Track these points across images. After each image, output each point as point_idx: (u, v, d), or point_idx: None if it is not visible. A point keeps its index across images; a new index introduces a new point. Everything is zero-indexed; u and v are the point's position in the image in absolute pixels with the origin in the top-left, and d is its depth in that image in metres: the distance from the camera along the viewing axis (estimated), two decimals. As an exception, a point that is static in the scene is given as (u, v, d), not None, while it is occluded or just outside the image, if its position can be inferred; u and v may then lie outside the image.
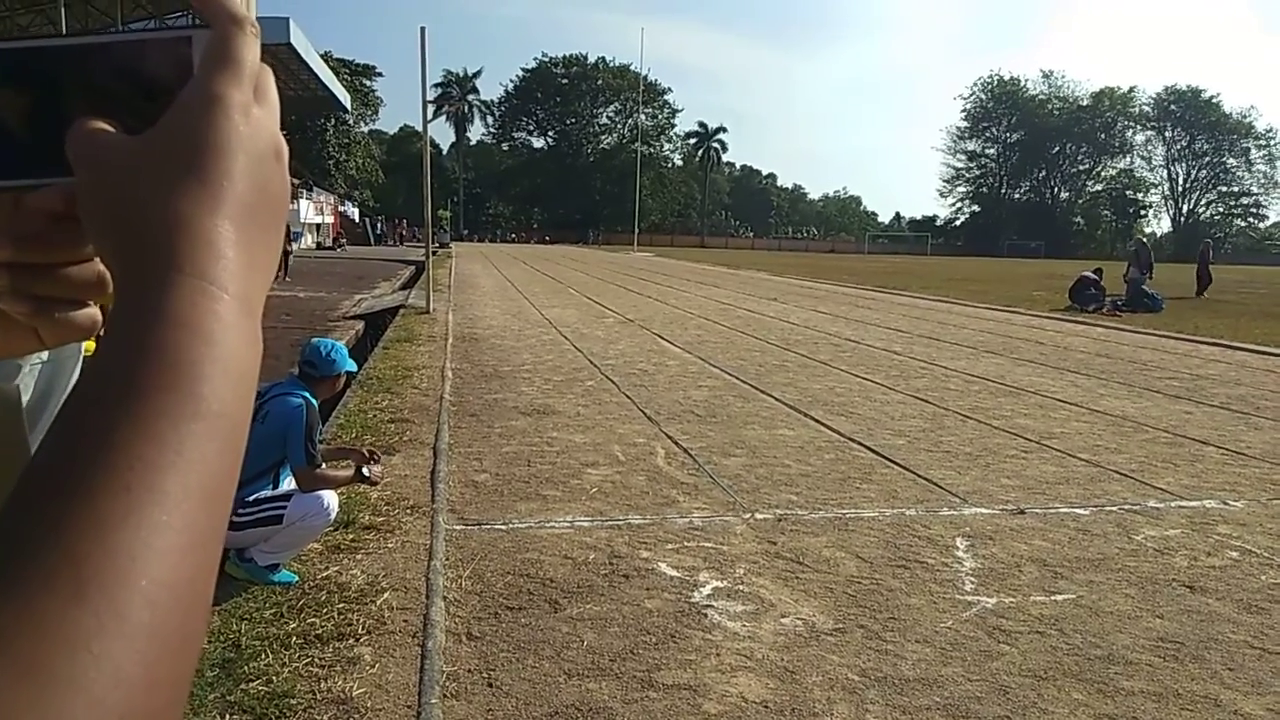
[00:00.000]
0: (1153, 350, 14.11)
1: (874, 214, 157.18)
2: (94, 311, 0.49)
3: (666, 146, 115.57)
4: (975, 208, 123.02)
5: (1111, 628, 3.89)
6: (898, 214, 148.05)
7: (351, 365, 4.53)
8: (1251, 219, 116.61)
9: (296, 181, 47.26)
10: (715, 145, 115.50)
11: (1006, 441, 7.28)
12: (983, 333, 15.93)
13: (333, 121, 65.25)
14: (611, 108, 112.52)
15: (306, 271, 27.22)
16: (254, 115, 0.43)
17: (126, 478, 0.33)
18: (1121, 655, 3.64)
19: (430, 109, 18.21)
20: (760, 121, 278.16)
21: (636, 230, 71.74)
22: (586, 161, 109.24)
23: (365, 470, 4.42)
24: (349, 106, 53.69)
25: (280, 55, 34.08)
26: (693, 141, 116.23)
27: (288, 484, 4.19)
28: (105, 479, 0.33)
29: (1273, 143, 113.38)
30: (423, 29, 15.37)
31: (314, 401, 4.18)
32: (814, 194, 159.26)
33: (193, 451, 0.35)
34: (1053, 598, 4.19)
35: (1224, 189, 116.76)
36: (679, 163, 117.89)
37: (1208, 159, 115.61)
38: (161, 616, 0.32)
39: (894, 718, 3.13)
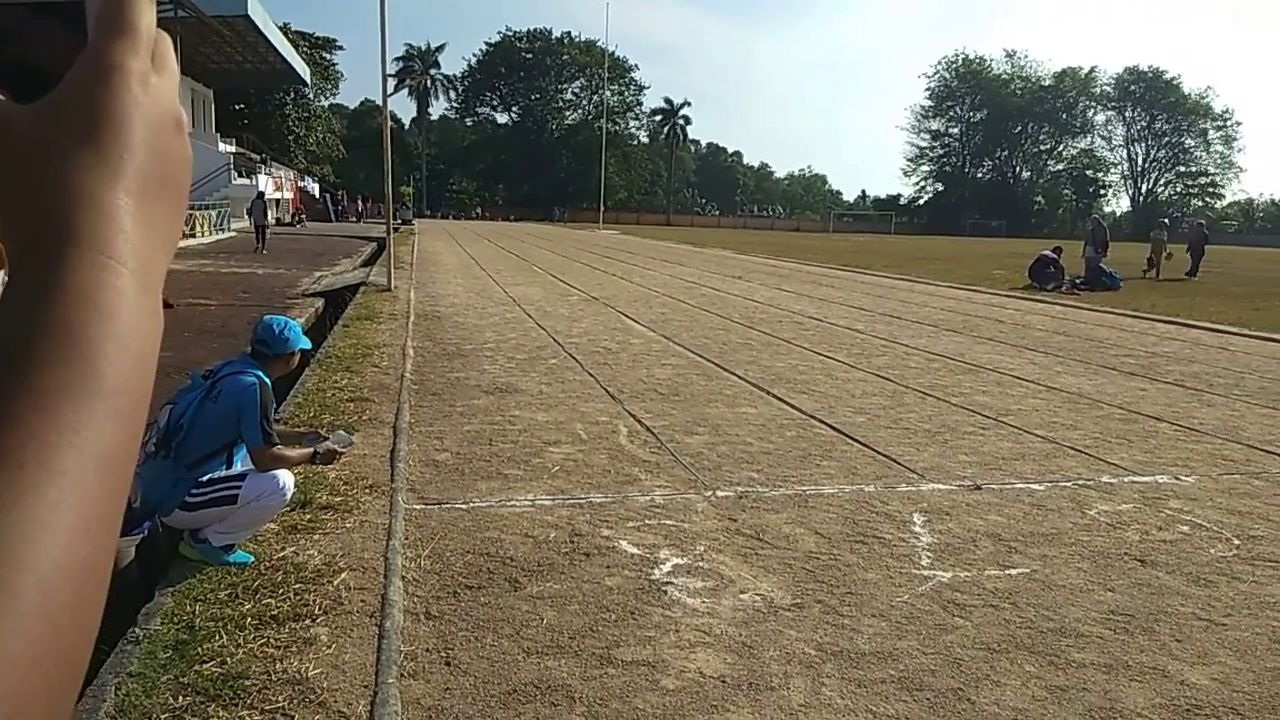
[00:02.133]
0: (1109, 328, 14.33)
1: (839, 193, 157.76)
2: None
3: (633, 124, 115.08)
4: (939, 186, 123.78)
5: (1064, 601, 3.96)
6: (863, 192, 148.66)
7: (305, 343, 4.47)
8: (1208, 199, 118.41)
9: (256, 157, 46.51)
10: (680, 122, 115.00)
11: (965, 418, 7.37)
12: (944, 311, 16.09)
13: (292, 95, 64.16)
14: (576, 84, 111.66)
15: (266, 248, 26.81)
16: (153, 84, 0.43)
17: (20, 456, 0.33)
18: (1073, 628, 3.71)
19: (391, 82, 17.99)
20: (727, 100, 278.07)
21: (602, 208, 71.42)
22: (551, 138, 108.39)
23: (322, 447, 4.37)
24: (308, 80, 52.76)
25: (238, 27, 33.38)
26: (658, 118, 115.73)
27: (242, 464, 4.14)
28: None
29: (1229, 124, 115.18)
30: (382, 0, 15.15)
31: (268, 380, 4.12)
32: (780, 172, 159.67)
33: (90, 429, 0.35)
34: (1007, 572, 4.26)
35: (1182, 169, 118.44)
36: (645, 140, 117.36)
37: (1167, 139, 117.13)
38: (55, 597, 0.32)
39: (849, 691, 3.17)
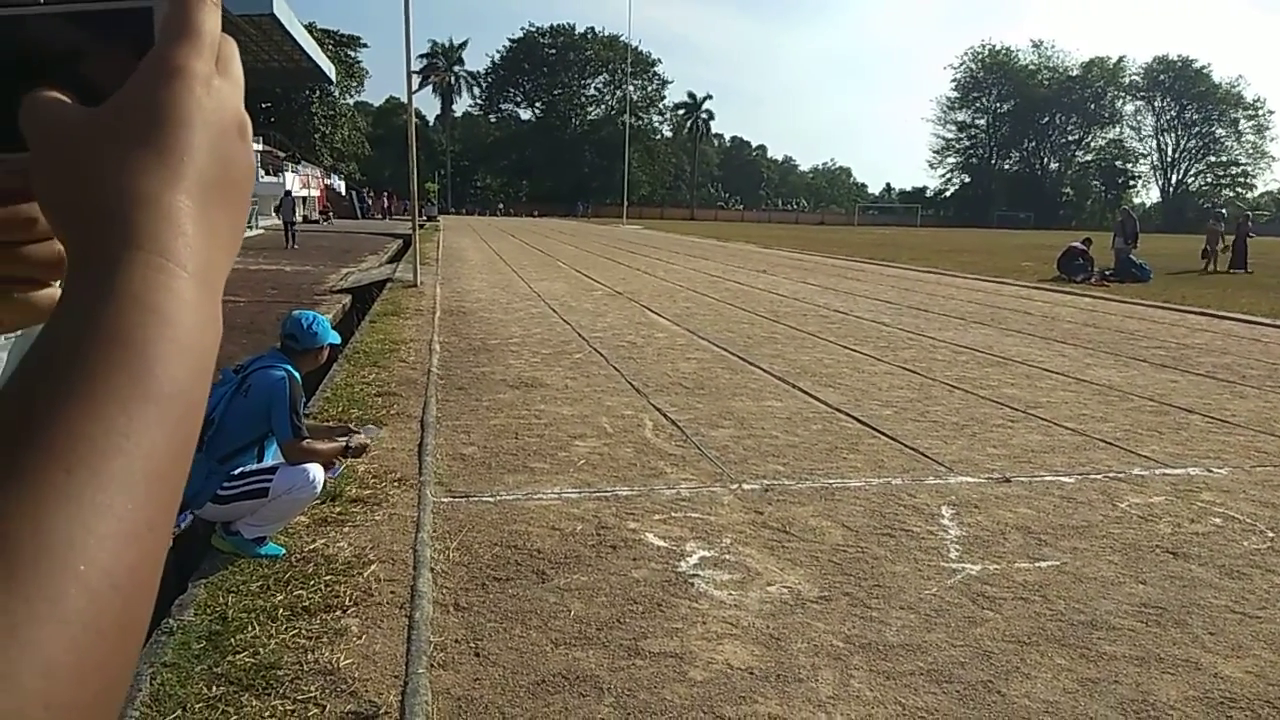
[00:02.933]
0: (1140, 320, 14.16)
1: (864, 185, 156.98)
2: (56, 292, 0.48)
3: (656, 118, 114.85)
4: (965, 178, 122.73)
5: (1095, 594, 3.93)
6: (888, 185, 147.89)
7: (334, 337, 4.50)
8: (1240, 189, 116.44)
9: (282, 154, 46.85)
10: (704, 116, 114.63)
11: (993, 411, 7.31)
12: (971, 303, 15.96)
13: (318, 94, 64.65)
14: (600, 79, 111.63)
15: (296, 243, 27.07)
16: (216, 87, 0.42)
17: (68, 459, 0.32)
18: (1104, 620, 3.67)
19: (416, 79, 18.07)
20: (751, 93, 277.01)
21: (626, 203, 71.43)
22: (575, 133, 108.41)
23: (354, 440, 4.41)
24: (334, 78, 53.11)
25: (264, 26, 33.60)
26: (681, 113, 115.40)
27: (273, 457, 4.18)
28: (45, 459, 0.32)
29: (1261, 112, 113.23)
30: (407, -2, 15.22)
31: (297, 375, 4.16)
32: (804, 166, 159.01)
33: (141, 434, 0.34)
34: (1037, 564, 4.23)
35: (1213, 159, 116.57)
36: (668, 135, 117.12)
37: (1197, 129, 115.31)
38: (99, 604, 0.31)
39: (878, 683, 3.16)
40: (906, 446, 6.17)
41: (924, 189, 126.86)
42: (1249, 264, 25.89)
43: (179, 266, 0.38)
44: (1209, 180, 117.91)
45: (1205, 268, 25.78)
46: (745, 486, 5.25)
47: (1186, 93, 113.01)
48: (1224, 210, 30.90)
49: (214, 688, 3.02)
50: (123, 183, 0.38)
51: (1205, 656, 3.41)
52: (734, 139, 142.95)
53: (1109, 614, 3.73)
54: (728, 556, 4.24)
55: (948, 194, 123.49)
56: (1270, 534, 4.71)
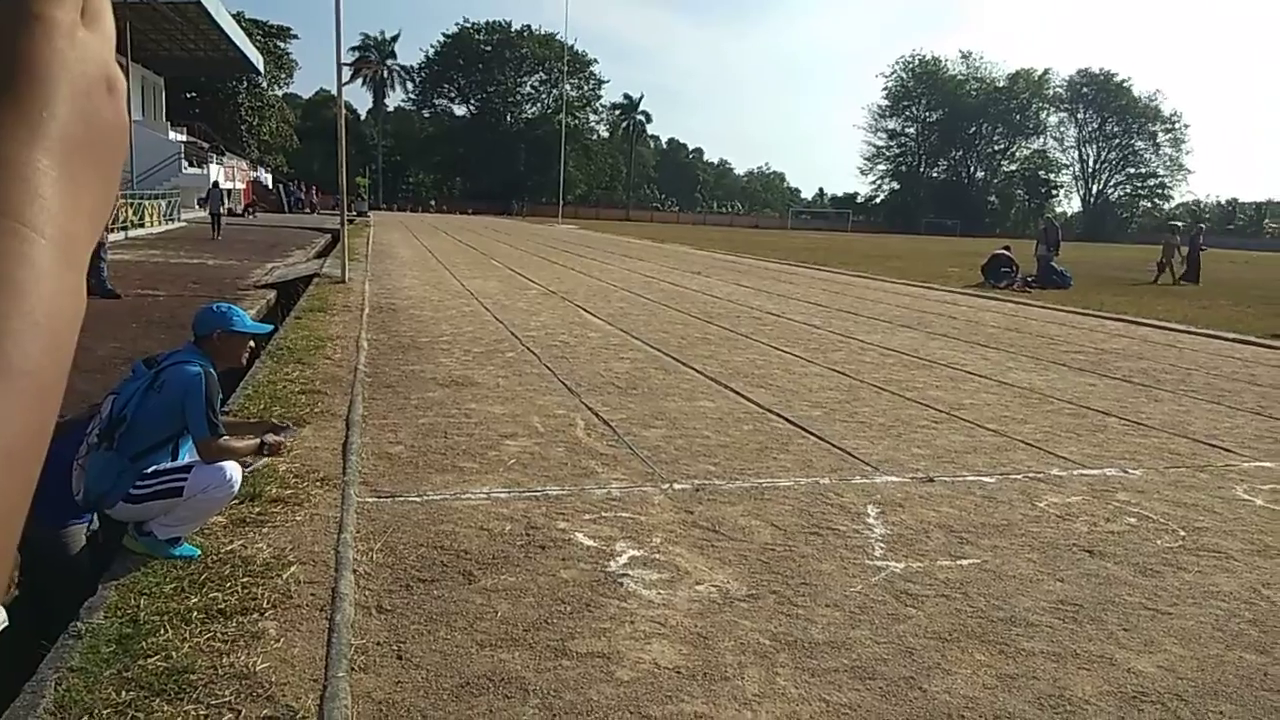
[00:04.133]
0: (1060, 325, 14.57)
1: (797, 190, 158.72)
2: None
3: (592, 118, 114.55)
4: (895, 185, 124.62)
5: (1014, 591, 4.01)
6: (820, 190, 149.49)
7: (250, 325, 4.35)
8: (1157, 200, 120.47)
9: (207, 146, 45.65)
10: (640, 117, 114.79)
11: (918, 412, 7.44)
12: (899, 308, 16.25)
13: (245, 84, 63.15)
14: (536, 77, 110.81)
15: (221, 233, 26.44)
16: (80, 39, 0.39)
17: None
18: (1023, 617, 3.75)
19: (346, 72, 17.77)
20: (689, 96, 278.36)
21: (561, 202, 71.13)
22: (510, 131, 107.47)
23: (269, 439, 4.29)
24: (262, 69, 51.93)
25: (189, 14, 32.76)
26: (617, 113, 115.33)
27: (188, 455, 4.05)
28: None
29: (1177, 126, 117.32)
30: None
31: (213, 370, 4.03)
32: (739, 169, 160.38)
33: None
34: (958, 562, 4.30)
35: (1132, 170, 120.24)
36: (605, 135, 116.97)
37: (1117, 141, 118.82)
38: None
39: (803, 680, 3.17)
40: (834, 446, 6.24)
41: (855, 195, 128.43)
42: (1187, 276, 26.28)
43: (35, 233, 0.35)
44: (1128, 191, 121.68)
45: (1156, 279, 26.18)
46: (676, 486, 5.25)
47: (1108, 106, 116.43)
48: (1179, 224, 31.67)
49: (123, 693, 2.91)
50: None
51: (1119, 652, 3.50)
52: (670, 141, 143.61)
53: (1027, 611, 3.82)
54: (657, 556, 4.23)
55: (878, 200, 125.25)
56: (1182, 533, 4.87)
